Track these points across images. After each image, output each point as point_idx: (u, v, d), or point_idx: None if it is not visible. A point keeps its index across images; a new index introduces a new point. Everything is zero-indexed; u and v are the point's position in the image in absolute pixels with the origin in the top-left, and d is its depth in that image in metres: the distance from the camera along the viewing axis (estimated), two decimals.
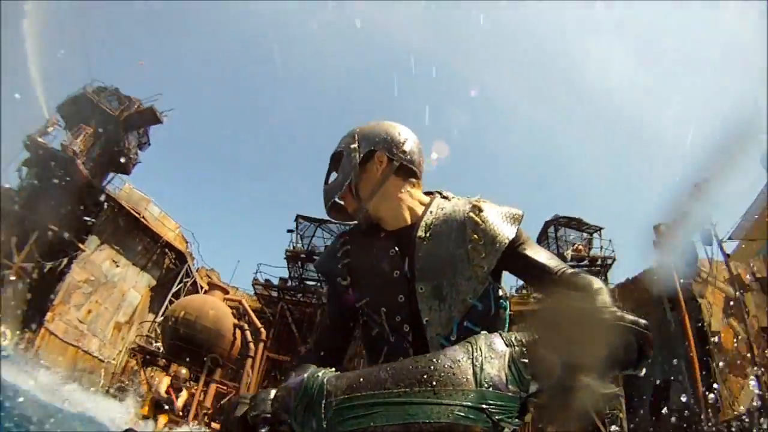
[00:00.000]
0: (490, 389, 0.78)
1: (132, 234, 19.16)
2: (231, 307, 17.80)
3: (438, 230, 1.24)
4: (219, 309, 16.69)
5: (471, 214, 1.24)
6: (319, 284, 21.03)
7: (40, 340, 15.88)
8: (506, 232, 1.21)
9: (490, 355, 0.81)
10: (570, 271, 1.15)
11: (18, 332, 15.76)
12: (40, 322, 16.17)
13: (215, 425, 14.73)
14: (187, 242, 21.30)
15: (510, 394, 0.78)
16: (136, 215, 19.14)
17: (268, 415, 0.85)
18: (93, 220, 18.85)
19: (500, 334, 0.86)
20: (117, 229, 18.87)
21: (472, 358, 0.81)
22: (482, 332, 0.88)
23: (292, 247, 20.94)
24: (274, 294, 20.11)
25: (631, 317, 0.83)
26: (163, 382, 7.64)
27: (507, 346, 0.83)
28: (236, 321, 16.97)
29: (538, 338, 0.83)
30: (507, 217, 1.25)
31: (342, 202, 1.34)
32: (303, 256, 20.58)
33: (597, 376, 0.77)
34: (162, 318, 18.02)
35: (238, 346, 16.68)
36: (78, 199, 18.56)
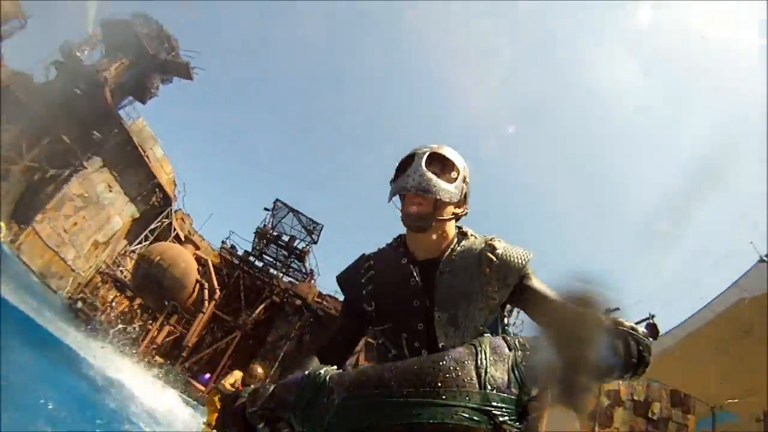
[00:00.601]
0: (494, 391, 0.79)
1: (132, 167, 21.09)
2: (197, 259, 20.31)
3: (456, 265, 1.36)
4: (189, 264, 19.23)
5: (486, 252, 1.35)
6: (275, 263, 23.75)
7: (24, 237, 17.86)
8: (517, 269, 1.32)
9: (495, 358, 0.83)
10: None
11: (9, 226, 17.67)
12: (29, 220, 18.08)
13: (159, 359, 17.45)
14: (175, 185, 23.35)
15: (513, 396, 0.80)
16: (142, 152, 21.02)
17: (267, 411, 0.86)
18: (101, 137, 20.54)
19: (504, 337, 0.87)
20: (121, 157, 20.73)
21: (477, 360, 0.82)
22: (486, 335, 0.91)
23: (263, 225, 23.50)
24: (236, 261, 22.65)
25: (630, 323, 0.88)
26: (233, 377, 7.24)
27: (510, 349, 0.85)
28: (199, 277, 19.55)
29: (541, 341, 0.85)
30: (518, 256, 1.35)
31: (414, 198, 1.34)
32: (269, 236, 23.20)
33: (597, 379, 0.82)
34: (137, 251, 20.29)
35: (194, 299, 19.31)
36: (94, 119, 20.21)
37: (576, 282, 0.89)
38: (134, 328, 16.76)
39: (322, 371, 0.86)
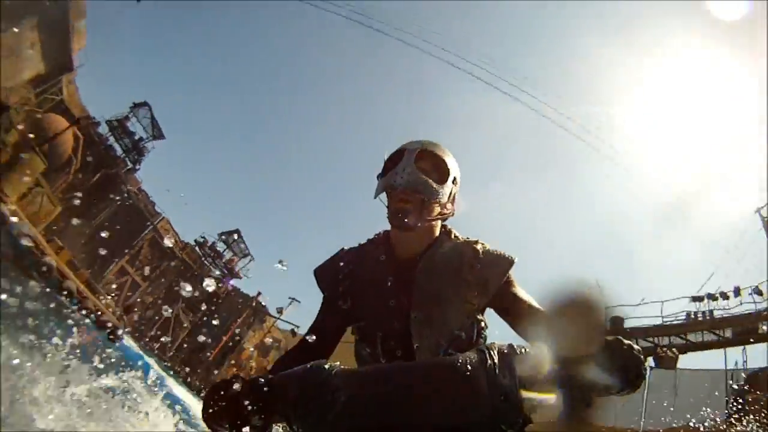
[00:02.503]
0: (502, 399, 0.80)
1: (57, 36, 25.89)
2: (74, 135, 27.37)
3: (437, 267, 1.34)
4: (69, 140, 26.58)
5: (468, 255, 1.35)
6: (123, 146, 31.81)
7: None
8: (498, 276, 1.33)
9: (503, 366, 0.84)
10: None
11: None
12: None
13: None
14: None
15: (518, 403, 0.81)
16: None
17: (264, 403, 0.85)
18: None
19: (512, 345, 0.89)
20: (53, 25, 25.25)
21: (486, 367, 0.83)
22: (494, 342, 0.92)
23: (122, 118, 31.22)
24: (97, 139, 30.00)
25: (636, 345, 0.90)
26: None
27: (518, 357, 0.87)
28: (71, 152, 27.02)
29: (546, 353, 0.87)
30: (501, 262, 1.35)
31: (401, 197, 1.32)
32: (123, 130, 31.24)
33: (599, 394, 0.85)
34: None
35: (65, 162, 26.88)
36: None
37: (577, 292, 0.92)
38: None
39: (326, 366, 0.86)
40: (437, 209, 1.36)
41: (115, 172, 30.78)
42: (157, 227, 32.57)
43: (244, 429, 0.85)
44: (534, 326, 1.13)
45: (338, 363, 0.89)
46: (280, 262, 1.74)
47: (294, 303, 34.91)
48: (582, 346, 0.84)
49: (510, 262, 1.36)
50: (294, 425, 0.84)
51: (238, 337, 34.04)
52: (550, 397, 0.85)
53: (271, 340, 33.62)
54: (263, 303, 35.10)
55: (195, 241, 35.41)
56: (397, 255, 1.39)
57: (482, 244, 1.41)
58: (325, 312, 1.43)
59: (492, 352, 0.86)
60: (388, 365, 0.95)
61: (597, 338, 0.86)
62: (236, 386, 0.87)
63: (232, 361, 32.61)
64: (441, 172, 1.36)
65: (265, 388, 0.86)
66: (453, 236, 1.45)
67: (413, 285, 1.32)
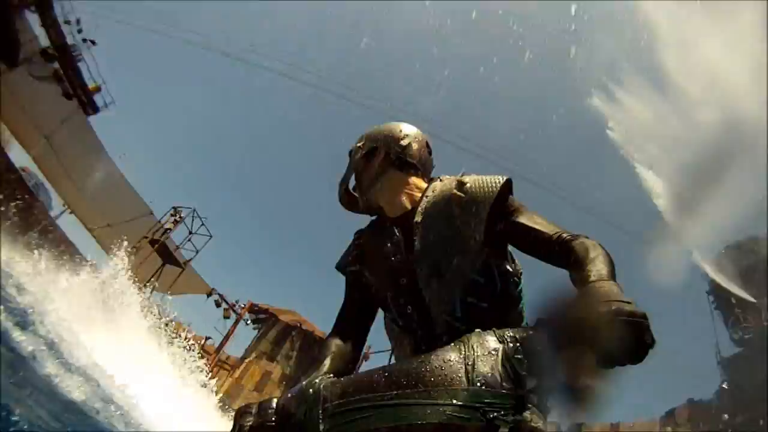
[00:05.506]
0: (483, 387, 0.80)
1: None
2: None
3: (430, 212, 1.29)
4: None
5: (454, 191, 1.28)
6: None
7: None
8: (487, 199, 1.23)
9: (483, 353, 0.84)
10: (567, 236, 1.09)
11: None
12: None
13: None
14: None
15: (504, 391, 0.80)
16: None
17: (272, 424, 0.90)
18: None
19: (494, 332, 0.89)
20: None
21: (464, 357, 0.83)
22: (476, 330, 0.92)
23: None
24: None
25: (628, 309, 0.77)
26: None
27: (500, 342, 0.86)
28: None
29: (537, 332, 0.86)
30: (488, 184, 1.25)
31: (356, 194, 1.46)
32: None
33: (596, 373, 0.78)
34: None
35: None
36: None
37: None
38: None
39: (317, 380, 0.91)
40: (369, 172, 1.40)
41: None
42: None
43: None
44: (555, 257, 1.07)
45: (330, 375, 0.95)
46: None
47: None
48: (580, 319, 0.77)
49: (498, 182, 1.24)
50: None
51: None
52: (546, 379, 0.82)
53: None
54: None
55: None
56: (390, 215, 1.39)
57: (468, 175, 1.33)
58: (351, 293, 1.42)
59: (471, 342, 0.87)
60: (371, 370, 0.91)
61: (596, 309, 0.77)
62: (249, 411, 0.95)
63: None
64: (377, 151, 1.40)
65: (272, 410, 0.93)
66: (442, 179, 1.39)
67: (412, 237, 1.29)
